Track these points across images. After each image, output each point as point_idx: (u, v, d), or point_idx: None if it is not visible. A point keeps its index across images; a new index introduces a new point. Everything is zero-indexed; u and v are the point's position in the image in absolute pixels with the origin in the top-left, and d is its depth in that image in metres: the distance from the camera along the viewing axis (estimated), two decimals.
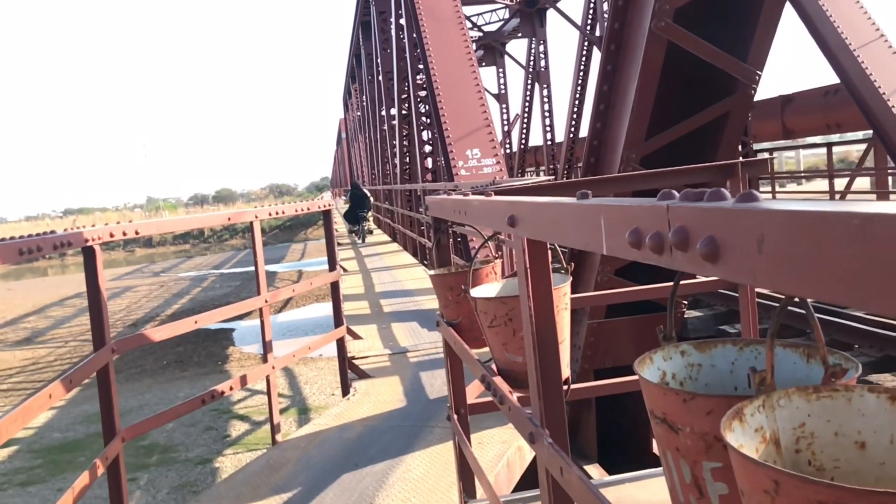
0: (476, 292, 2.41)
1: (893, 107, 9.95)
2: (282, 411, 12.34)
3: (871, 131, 15.93)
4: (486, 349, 3.41)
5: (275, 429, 4.64)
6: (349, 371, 5.79)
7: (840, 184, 16.53)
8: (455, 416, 3.26)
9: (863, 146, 17.51)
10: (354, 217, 20.90)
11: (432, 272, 3.12)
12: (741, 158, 3.48)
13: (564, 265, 2.34)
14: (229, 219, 4.33)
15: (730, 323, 6.51)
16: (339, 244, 19.47)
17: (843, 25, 10.55)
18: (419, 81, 13.55)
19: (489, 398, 3.19)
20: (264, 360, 4.58)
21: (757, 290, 5.92)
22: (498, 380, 2.15)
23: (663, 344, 1.30)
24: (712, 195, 0.88)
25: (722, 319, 7.38)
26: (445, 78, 9.57)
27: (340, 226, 25.09)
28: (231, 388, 4.19)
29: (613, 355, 4.94)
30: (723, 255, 0.80)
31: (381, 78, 21.09)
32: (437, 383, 5.57)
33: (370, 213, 21.80)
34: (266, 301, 4.52)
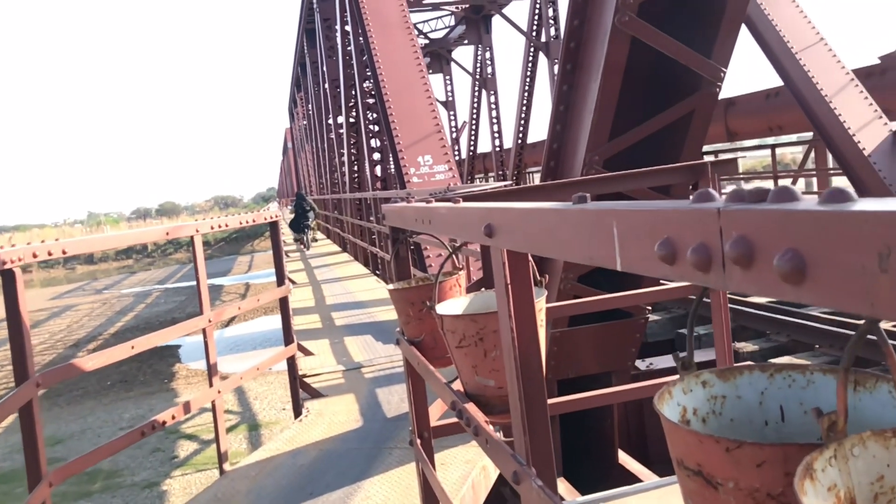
0: (442, 308, 2.18)
1: (835, 108, 10.10)
2: (231, 429, 11.96)
3: (808, 133, 16.28)
4: (452, 368, 3.19)
5: (222, 457, 4.33)
6: (301, 390, 5.50)
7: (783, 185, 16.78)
8: (418, 441, 3.03)
9: (798, 148, 17.87)
10: (299, 226, 21.97)
11: (391, 286, 2.88)
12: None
13: (538, 277, 2.14)
14: (168, 234, 4.02)
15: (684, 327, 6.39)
16: (287, 254, 19.19)
17: (784, 30, 10.69)
18: (367, 88, 13.29)
19: (453, 419, 2.97)
20: (210, 383, 4.27)
21: (763, 301, 5.73)
22: (471, 407, 1.92)
23: (682, 374, 1.09)
24: (778, 196, 0.67)
25: (680, 323, 7.31)
26: (394, 84, 9.34)
27: (288, 235, 25.08)
28: (173, 417, 3.87)
29: (576, 365, 4.76)
30: (812, 273, 0.59)
31: (327, 86, 20.75)
32: (394, 400, 5.32)
33: (314, 222, 22.96)
34: (210, 321, 4.22)
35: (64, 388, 15.27)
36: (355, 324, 8.50)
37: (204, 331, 4.23)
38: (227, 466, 4.36)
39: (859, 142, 9.52)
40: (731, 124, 16.00)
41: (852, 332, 5.60)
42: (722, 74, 3.46)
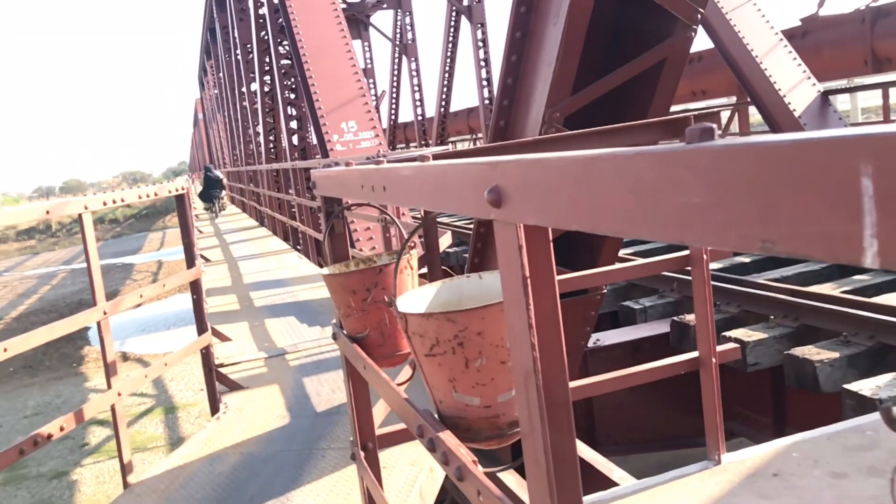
0: (403, 303, 1.66)
1: (766, 69, 9.95)
2: (144, 413, 11.21)
3: (729, 98, 16.35)
4: (399, 368, 2.67)
5: (126, 469, 3.71)
6: (217, 383, 4.89)
7: None
8: (361, 454, 2.51)
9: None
10: (209, 196, 23.63)
11: (326, 271, 2.34)
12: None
13: None
14: (48, 212, 3.33)
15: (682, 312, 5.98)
16: (199, 230, 18.23)
17: None
18: (282, 51, 12.46)
19: (401, 426, 2.48)
20: (108, 384, 3.63)
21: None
22: (447, 437, 1.42)
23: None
24: None
25: (623, 295, 6.99)
26: (313, 44, 8.63)
27: (199, 210, 25.48)
28: (62, 429, 3.23)
29: None
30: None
31: (238, 52, 19.62)
32: (324, 391, 4.77)
33: (224, 192, 24.62)
34: (105, 312, 3.57)
35: None
36: (277, 304, 7.86)
37: (98, 325, 3.58)
38: (131, 479, 3.74)
39: (790, 103, 9.41)
40: None
41: (808, 302, 5.37)
42: (698, 17, 3.03)
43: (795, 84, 9.60)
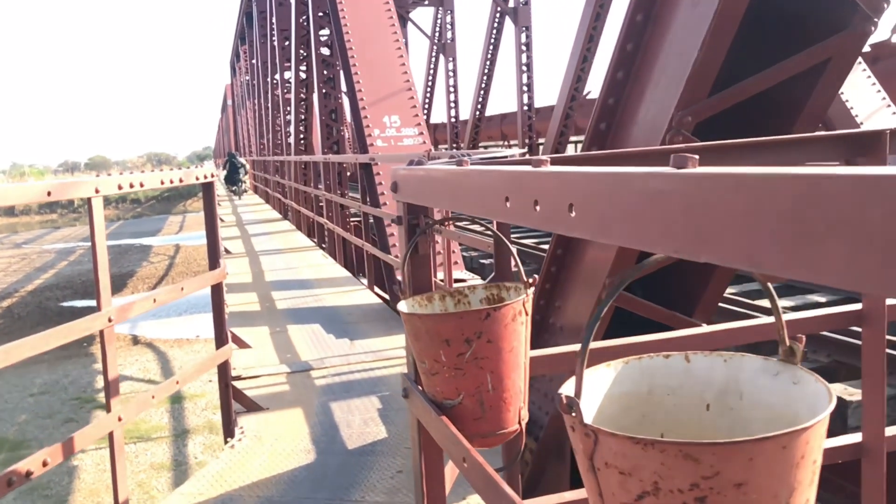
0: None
1: (842, 94, 9.24)
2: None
3: None
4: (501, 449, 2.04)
5: None
6: (233, 401, 4.26)
7: None
8: None
9: None
10: (233, 179, 25.06)
11: (406, 308, 1.69)
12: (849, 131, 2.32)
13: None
14: (49, 193, 2.72)
15: None
16: (221, 219, 17.69)
17: None
18: (323, 39, 11.86)
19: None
20: (108, 407, 3.01)
21: None
22: None
23: None
24: None
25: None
26: (359, 30, 8.01)
27: (219, 189, 26.27)
28: (44, 464, 2.61)
29: None
30: None
31: (275, 38, 19.07)
32: (355, 422, 4.13)
33: (246, 177, 26.10)
34: (110, 319, 2.95)
35: None
36: (300, 308, 7.24)
37: (102, 334, 2.96)
38: None
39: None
40: None
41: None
42: (885, 6, 2.37)
43: (874, 111, 8.88)
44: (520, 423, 1.64)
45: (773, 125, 2.69)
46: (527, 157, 2.04)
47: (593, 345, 2.28)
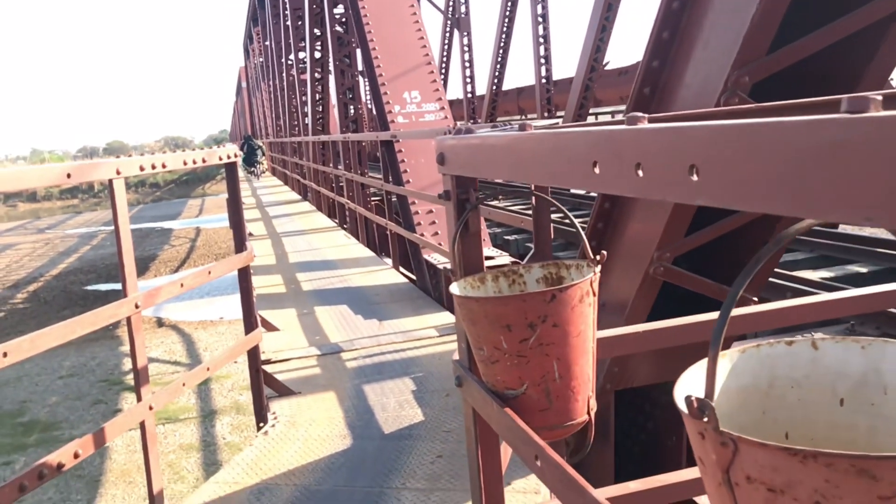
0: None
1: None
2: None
3: None
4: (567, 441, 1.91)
5: (155, 500, 3.00)
6: (264, 385, 4.17)
7: None
8: None
9: None
10: (250, 161, 26.72)
11: (458, 290, 1.56)
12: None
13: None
14: (69, 175, 2.61)
15: None
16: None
17: None
18: (337, 16, 11.66)
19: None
20: (138, 396, 2.92)
21: None
22: None
23: None
24: None
25: None
26: (375, 5, 7.82)
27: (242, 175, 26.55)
28: (76, 456, 2.52)
29: (645, 372, 3.53)
30: None
31: (288, 18, 18.86)
32: (390, 405, 4.03)
33: (263, 158, 27.51)
34: (137, 306, 2.85)
35: (2, 332, 14.06)
36: (326, 289, 7.14)
37: (129, 321, 2.85)
38: None
39: None
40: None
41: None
42: None
43: None
44: (588, 412, 1.50)
45: (829, 92, 2.51)
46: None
47: (647, 326, 2.11)
